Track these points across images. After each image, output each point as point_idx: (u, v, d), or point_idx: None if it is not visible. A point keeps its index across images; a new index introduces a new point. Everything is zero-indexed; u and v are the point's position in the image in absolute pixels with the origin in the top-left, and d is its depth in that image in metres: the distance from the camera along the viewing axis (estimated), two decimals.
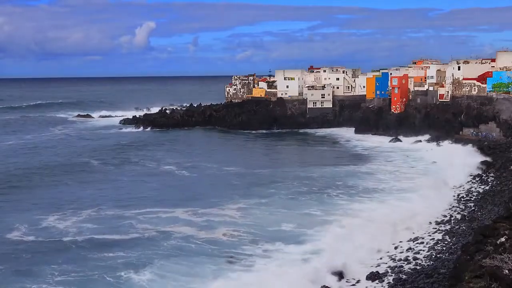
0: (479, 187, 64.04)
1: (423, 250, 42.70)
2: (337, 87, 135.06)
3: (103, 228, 49.90)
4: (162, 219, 52.34)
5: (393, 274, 37.90)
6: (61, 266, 40.61)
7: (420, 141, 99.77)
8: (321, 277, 37.12)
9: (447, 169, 73.93)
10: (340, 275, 37.61)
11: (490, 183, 65.04)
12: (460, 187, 65.09)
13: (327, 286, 35.90)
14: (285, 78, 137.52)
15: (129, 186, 69.02)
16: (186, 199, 60.41)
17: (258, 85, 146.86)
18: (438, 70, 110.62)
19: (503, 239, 33.41)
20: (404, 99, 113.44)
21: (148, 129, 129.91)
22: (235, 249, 43.74)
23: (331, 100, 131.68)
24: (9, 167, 79.92)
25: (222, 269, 39.40)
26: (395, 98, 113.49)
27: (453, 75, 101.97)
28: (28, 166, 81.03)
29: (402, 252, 42.83)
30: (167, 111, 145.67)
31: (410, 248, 43.46)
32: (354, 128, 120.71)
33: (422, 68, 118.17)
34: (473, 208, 54.67)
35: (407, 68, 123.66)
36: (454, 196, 60.92)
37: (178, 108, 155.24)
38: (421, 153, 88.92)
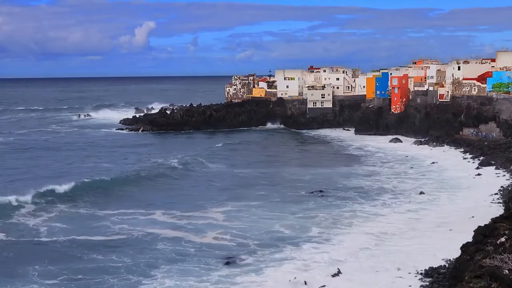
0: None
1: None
2: (337, 87, 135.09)
3: (85, 228, 49.23)
4: (153, 221, 51.84)
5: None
6: (47, 267, 39.70)
7: (420, 141, 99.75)
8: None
9: (449, 170, 74.01)
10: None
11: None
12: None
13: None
14: (285, 78, 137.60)
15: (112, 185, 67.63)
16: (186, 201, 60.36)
17: (258, 85, 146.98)
18: (438, 70, 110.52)
19: (503, 239, 33.44)
20: (404, 99, 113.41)
21: (148, 129, 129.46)
22: (241, 253, 43.09)
23: (331, 100, 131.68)
24: None
25: (226, 274, 38.76)
26: (395, 98, 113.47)
27: (453, 75, 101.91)
28: (21, 167, 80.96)
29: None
30: (167, 112, 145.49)
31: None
32: (354, 128, 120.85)
33: (422, 68, 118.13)
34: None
35: (407, 68, 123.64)
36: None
37: (178, 108, 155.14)
38: (421, 153, 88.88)
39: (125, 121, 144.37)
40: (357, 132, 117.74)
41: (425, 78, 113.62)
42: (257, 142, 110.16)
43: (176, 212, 54.50)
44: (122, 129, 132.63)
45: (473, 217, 49.59)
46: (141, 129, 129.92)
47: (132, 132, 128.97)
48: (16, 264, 40.41)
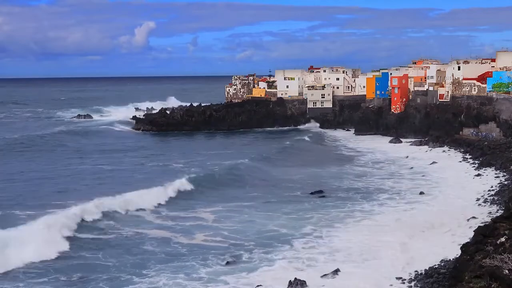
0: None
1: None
2: (337, 87, 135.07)
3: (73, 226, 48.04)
4: (142, 221, 51.69)
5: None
6: (33, 265, 39.25)
7: (420, 141, 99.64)
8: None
9: (448, 170, 73.91)
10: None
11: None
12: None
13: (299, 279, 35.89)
14: (285, 78, 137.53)
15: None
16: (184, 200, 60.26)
17: (258, 85, 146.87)
18: (438, 70, 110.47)
19: (503, 239, 33.31)
20: (404, 99, 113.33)
21: (148, 129, 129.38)
22: (236, 251, 43.06)
23: (331, 100, 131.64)
24: None
25: (218, 273, 38.63)
26: (395, 98, 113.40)
27: (453, 75, 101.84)
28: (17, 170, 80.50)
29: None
30: (167, 111, 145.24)
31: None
32: (354, 128, 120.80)
33: (422, 68, 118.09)
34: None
35: (407, 68, 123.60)
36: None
37: (178, 108, 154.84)
38: (421, 153, 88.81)
39: (124, 121, 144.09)
40: (357, 132, 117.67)
41: (425, 78, 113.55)
42: (255, 142, 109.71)
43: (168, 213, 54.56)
44: (121, 129, 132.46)
45: (473, 217, 49.52)
46: (141, 129, 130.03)
47: (132, 132, 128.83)
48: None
